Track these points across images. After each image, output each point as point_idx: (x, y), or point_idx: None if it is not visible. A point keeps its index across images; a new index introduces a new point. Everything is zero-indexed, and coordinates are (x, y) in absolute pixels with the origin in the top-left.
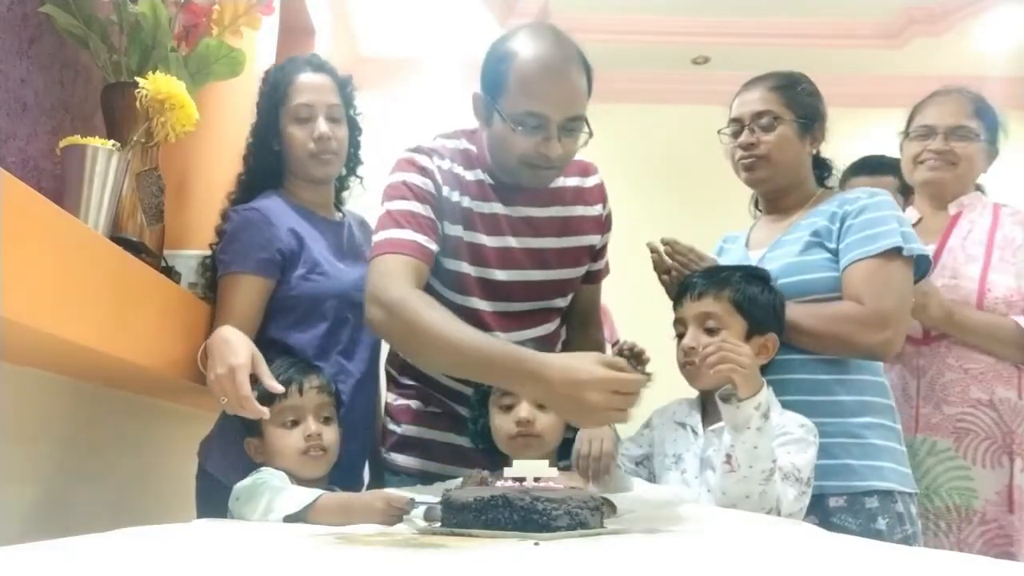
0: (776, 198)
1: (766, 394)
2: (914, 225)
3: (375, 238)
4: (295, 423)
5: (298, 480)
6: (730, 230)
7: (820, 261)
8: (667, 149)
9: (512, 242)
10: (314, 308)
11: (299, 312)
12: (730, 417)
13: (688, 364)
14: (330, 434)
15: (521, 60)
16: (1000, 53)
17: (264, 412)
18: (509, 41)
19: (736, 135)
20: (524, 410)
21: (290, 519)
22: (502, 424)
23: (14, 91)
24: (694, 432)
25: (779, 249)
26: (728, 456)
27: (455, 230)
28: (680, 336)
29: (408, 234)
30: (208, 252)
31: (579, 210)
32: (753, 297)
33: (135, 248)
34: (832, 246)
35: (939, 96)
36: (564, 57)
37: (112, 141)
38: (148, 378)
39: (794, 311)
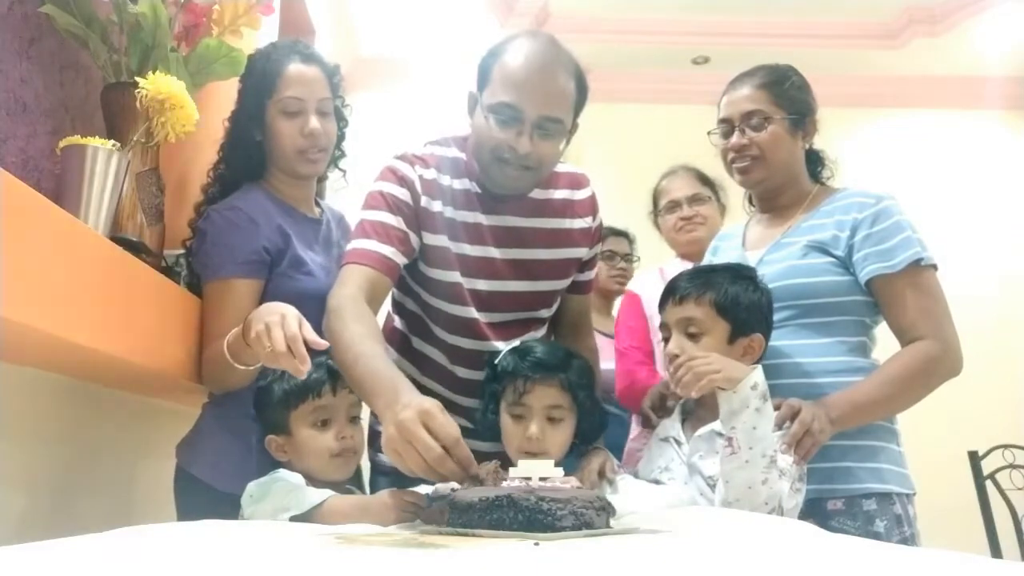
0: (772, 197)
1: (761, 375)
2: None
3: (347, 247)
4: (326, 423)
5: (323, 482)
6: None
7: (822, 265)
8: (667, 149)
9: (494, 252)
10: (298, 308)
11: None
12: (727, 402)
13: (675, 371)
14: (359, 435)
15: (508, 55)
16: (1000, 53)
17: (306, 361)
18: (506, 41)
19: (727, 136)
20: (534, 428)
21: (297, 519)
22: (511, 433)
23: (14, 91)
24: (677, 441)
25: (779, 251)
26: (729, 440)
27: (439, 240)
28: (666, 340)
29: (373, 245)
30: (181, 256)
31: (566, 222)
32: (736, 298)
33: (135, 248)
34: (839, 253)
35: None
36: (550, 58)
37: (112, 141)
38: (148, 378)
39: (865, 392)
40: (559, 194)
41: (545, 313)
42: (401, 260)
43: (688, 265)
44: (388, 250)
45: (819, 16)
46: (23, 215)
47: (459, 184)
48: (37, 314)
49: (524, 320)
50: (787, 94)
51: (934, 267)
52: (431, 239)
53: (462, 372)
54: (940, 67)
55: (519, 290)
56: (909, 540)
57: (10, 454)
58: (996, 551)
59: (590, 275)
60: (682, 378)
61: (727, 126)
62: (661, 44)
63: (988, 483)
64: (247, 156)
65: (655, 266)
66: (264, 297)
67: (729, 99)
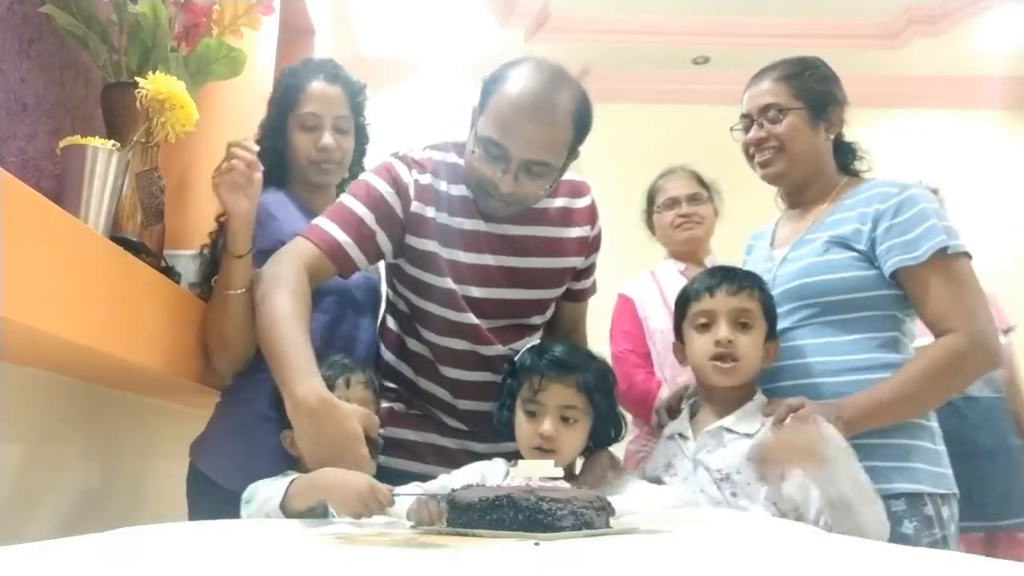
0: (797, 191)
1: (834, 432)
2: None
3: (313, 220)
4: None
5: None
6: (728, 230)
7: (843, 261)
8: (667, 149)
9: (490, 259)
10: (315, 301)
11: None
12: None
13: (721, 358)
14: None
15: (506, 88)
16: (1000, 53)
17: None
18: (512, 67)
19: (747, 130)
20: (547, 425)
21: (285, 509)
22: (524, 430)
23: (14, 91)
24: (683, 437)
25: (801, 248)
26: (831, 503)
27: (427, 245)
28: (704, 327)
29: (334, 229)
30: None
31: (563, 231)
32: (774, 304)
33: (135, 248)
34: (862, 248)
35: None
36: (547, 101)
37: (112, 141)
38: (148, 378)
39: (881, 393)
40: (558, 202)
41: (538, 320)
42: (356, 254)
43: (680, 266)
44: (345, 239)
45: (819, 16)
46: (23, 215)
47: (456, 190)
48: (37, 314)
49: (517, 326)
50: (806, 86)
51: (965, 255)
52: (420, 243)
53: (453, 372)
54: (940, 67)
55: (512, 297)
56: (940, 543)
57: (10, 454)
58: None
59: (586, 283)
60: (767, 451)
61: (747, 120)
62: (661, 44)
63: None
64: (270, 162)
65: (647, 269)
66: None
67: (749, 94)
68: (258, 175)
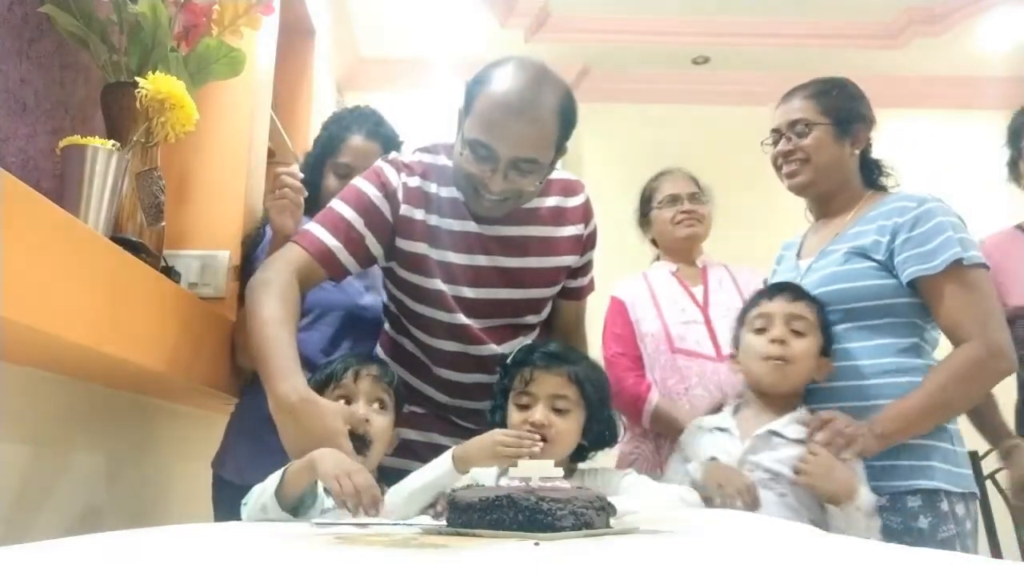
0: (822, 203)
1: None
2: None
3: (304, 224)
4: (346, 403)
5: None
6: (726, 231)
7: (863, 270)
8: (667, 149)
9: (482, 260)
10: (321, 315)
11: (309, 316)
12: (834, 518)
13: (773, 358)
14: (380, 421)
15: (490, 89)
16: (1000, 53)
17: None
18: (495, 67)
19: (776, 144)
20: (539, 413)
21: (280, 499)
22: (516, 422)
23: (14, 91)
24: (727, 432)
25: (824, 259)
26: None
27: (417, 247)
28: (760, 331)
29: (323, 234)
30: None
31: (557, 230)
32: (829, 322)
33: (135, 248)
34: (880, 258)
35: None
36: (531, 100)
37: (112, 141)
38: (147, 378)
39: (911, 404)
40: (550, 201)
41: (533, 319)
42: (346, 258)
43: (672, 266)
44: (334, 244)
45: (819, 16)
46: (23, 215)
47: (447, 192)
48: (37, 314)
49: (512, 326)
50: (833, 103)
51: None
52: (410, 246)
53: (447, 373)
54: (940, 67)
55: (506, 297)
56: (954, 539)
57: (9, 454)
58: (996, 551)
59: (583, 281)
60: (809, 469)
61: (776, 135)
62: (661, 44)
63: (988, 483)
64: (308, 195)
65: (639, 271)
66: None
67: (780, 110)
68: (302, 200)
